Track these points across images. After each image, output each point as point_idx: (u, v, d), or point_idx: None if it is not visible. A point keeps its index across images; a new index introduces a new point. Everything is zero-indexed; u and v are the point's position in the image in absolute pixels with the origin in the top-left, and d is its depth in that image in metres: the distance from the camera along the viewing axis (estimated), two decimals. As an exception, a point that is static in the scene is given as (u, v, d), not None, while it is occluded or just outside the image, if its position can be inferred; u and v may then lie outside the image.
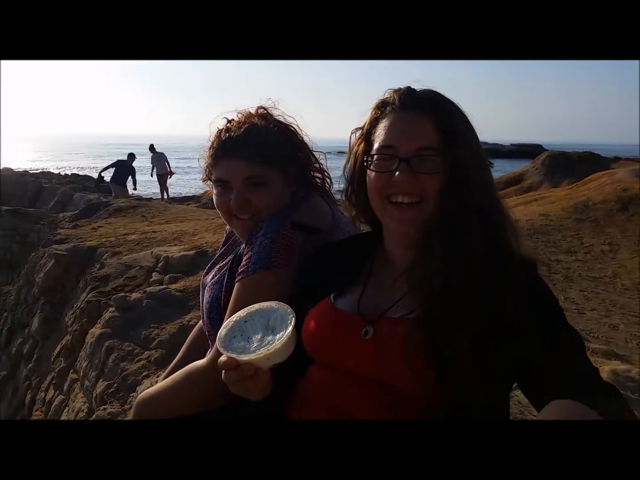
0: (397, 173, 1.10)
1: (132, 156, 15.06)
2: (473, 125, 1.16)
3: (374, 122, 1.19)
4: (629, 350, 4.47)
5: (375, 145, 1.16)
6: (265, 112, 1.57)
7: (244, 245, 1.49)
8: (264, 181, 1.46)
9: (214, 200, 1.55)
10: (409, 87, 1.17)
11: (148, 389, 1.57)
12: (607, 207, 8.94)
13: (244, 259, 1.43)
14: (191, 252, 5.73)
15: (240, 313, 1.13)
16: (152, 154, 15.89)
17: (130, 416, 1.57)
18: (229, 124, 1.55)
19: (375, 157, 1.15)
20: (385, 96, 1.19)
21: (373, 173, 1.15)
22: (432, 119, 1.11)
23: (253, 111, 1.57)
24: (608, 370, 3.65)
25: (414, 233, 1.14)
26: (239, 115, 1.57)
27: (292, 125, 1.59)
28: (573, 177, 15.64)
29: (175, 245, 6.48)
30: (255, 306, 1.13)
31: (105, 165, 14.98)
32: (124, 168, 14.60)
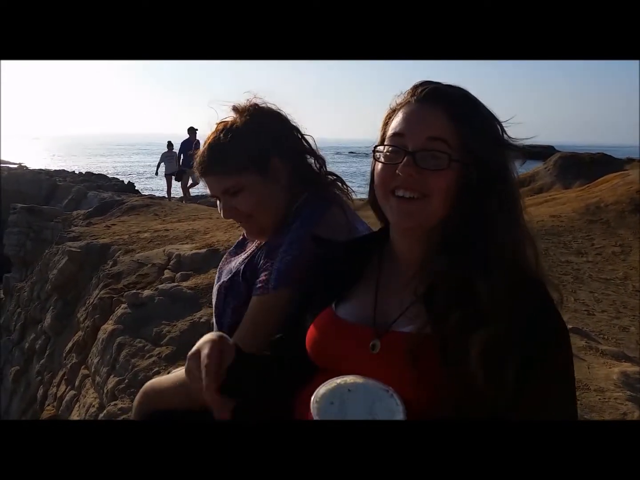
0: (400, 166, 1.09)
1: (191, 131, 13.17)
2: (500, 127, 1.13)
3: (390, 116, 1.18)
4: (639, 352, 4.45)
5: (388, 134, 1.15)
6: (238, 107, 1.54)
7: (260, 253, 1.50)
8: (239, 188, 1.48)
9: None
10: (426, 80, 1.15)
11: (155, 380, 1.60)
12: (619, 208, 8.87)
13: (263, 273, 1.42)
14: (203, 250, 5.76)
15: (347, 378, 1.04)
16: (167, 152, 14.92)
17: (134, 403, 1.60)
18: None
19: (385, 148, 1.14)
20: (403, 91, 1.17)
21: (380, 165, 1.15)
22: (446, 111, 1.09)
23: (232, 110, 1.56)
24: (618, 372, 3.63)
25: (417, 227, 1.14)
26: (213, 126, 1.56)
27: (273, 111, 1.55)
28: (585, 178, 15.50)
29: (187, 243, 6.52)
30: (362, 379, 1.04)
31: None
32: (184, 145, 13.20)
